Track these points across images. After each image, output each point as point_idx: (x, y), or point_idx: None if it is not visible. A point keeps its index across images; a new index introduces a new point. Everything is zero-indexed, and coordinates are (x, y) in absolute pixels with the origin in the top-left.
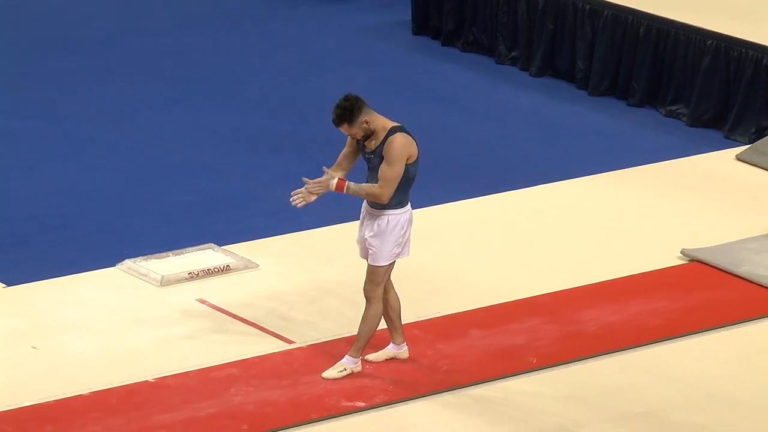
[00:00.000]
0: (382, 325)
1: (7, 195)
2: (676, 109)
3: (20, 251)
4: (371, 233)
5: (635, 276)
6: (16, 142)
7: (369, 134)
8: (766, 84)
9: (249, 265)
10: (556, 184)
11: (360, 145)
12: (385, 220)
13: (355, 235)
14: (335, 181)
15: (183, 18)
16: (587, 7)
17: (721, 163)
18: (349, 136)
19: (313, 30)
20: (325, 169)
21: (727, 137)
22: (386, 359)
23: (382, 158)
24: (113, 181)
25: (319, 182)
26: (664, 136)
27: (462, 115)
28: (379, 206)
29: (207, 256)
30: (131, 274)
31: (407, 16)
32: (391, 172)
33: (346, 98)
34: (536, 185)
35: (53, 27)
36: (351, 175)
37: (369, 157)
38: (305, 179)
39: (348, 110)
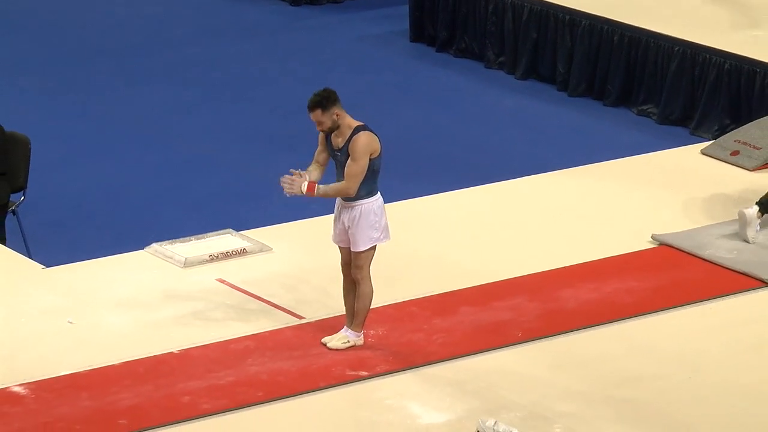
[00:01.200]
0: (383, 302)
1: (49, 186)
2: (646, 109)
3: (59, 236)
4: (348, 224)
5: (610, 258)
6: (58, 140)
7: (335, 127)
8: (727, 86)
9: (264, 249)
10: (538, 177)
11: (329, 144)
12: (359, 210)
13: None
14: (305, 185)
15: (206, 29)
16: (567, 17)
17: (687, 158)
18: (319, 133)
19: (321, 39)
20: (295, 171)
21: (692, 134)
22: (343, 344)
23: (347, 155)
24: (143, 175)
25: (292, 184)
26: (636, 134)
27: (453, 115)
28: (350, 198)
29: (226, 240)
30: (158, 257)
31: (405, 25)
32: (356, 167)
33: (325, 89)
34: (519, 177)
35: (91, 36)
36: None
37: (336, 155)
38: (292, 170)
39: (324, 98)
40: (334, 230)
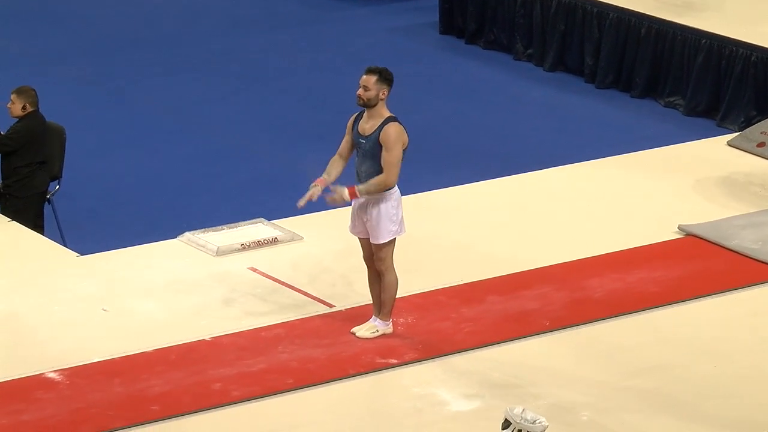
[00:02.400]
0: (411, 291)
1: (84, 175)
2: (673, 101)
3: (94, 224)
4: (366, 216)
5: (636, 248)
6: (93, 129)
7: (371, 105)
8: (753, 78)
9: (294, 238)
10: (565, 167)
11: (354, 131)
12: (377, 203)
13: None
14: (346, 192)
15: (237, 21)
16: (595, 9)
17: (714, 149)
18: (348, 122)
19: (351, 31)
20: (331, 186)
21: (719, 125)
22: (372, 333)
23: (374, 143)
24: (175, 164)
25: (334, 199)
26: (663, 125)
27: (482, 106)
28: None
29: (257, 229)
30: (190, 245)
31: (435, 17)
32: (392, 157)
33: (388, 70)
34: (548, 168)
35: (125, 28)
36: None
37: (361, 142)
38: (331, 187)
39: (385, 72)
40: (351, 221)
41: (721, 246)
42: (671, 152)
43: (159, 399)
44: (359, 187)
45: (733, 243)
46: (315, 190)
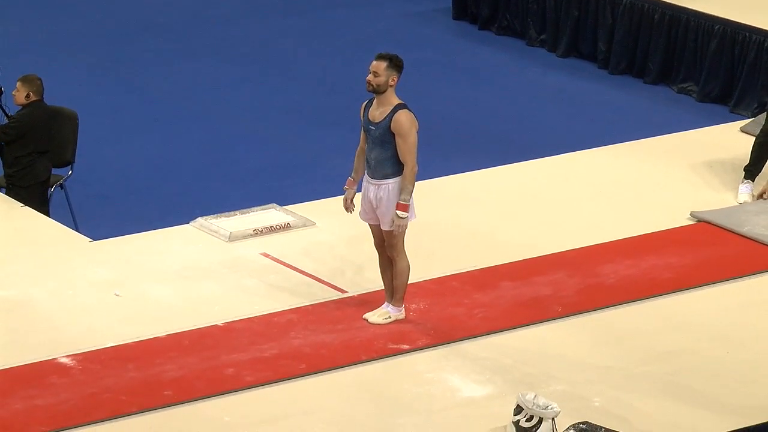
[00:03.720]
0: (424, 276)
1: (98, 160)
2: (686, 87)
3: (107, 209)
4: (376, 202)
5: (649, 235)
6: (106, 114)
7: (380, 91)
8: (767, 64)
9: (307, 223)
10: (578, 153)
11: (365, 118)
12: (386, 188)
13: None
14: (398, 212)
15: (252, 6)
16: None
17: (727, 135)
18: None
19: (365, 16)
20: (350, 203)
21: (732, 112)
22: (384, 319)
23: (384, 130)
24: (188, 149)
25: (399, 226)
26: (676, 111)
27: (495, 92)
28: (380, 176)
29: (270, 215)
30: (203, 231)
31: (448, 3)
32: (408, 144)
33: (399, 57)
34: (561, 154)
35: (140, 14)
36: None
37: (371, 129)
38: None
39: (395, 59)
40: (362, 208)
41: (734, 232)
42: (684, 138)
43: (172, 384)
44: (402, 197)
45: (745, 229)
46: (349, 193)
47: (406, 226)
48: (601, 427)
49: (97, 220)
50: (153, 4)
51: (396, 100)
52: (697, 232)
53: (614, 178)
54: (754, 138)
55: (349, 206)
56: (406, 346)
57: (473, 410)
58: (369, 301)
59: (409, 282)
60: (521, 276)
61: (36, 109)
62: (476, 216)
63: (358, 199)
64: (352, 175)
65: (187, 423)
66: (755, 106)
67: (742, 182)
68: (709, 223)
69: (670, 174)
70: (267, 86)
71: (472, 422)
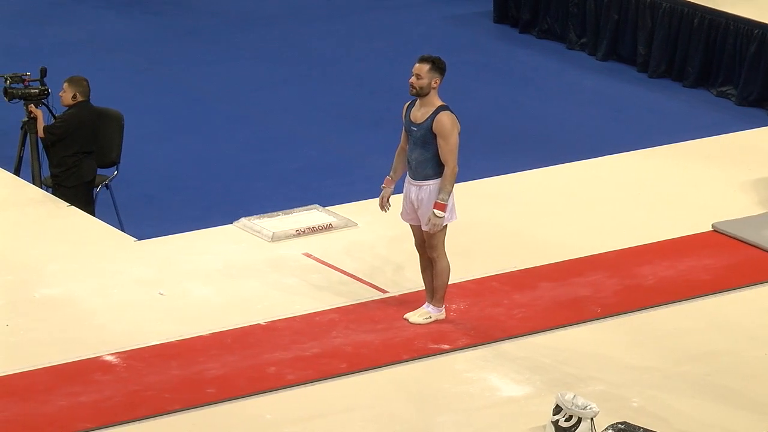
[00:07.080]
0: (464, 277)
1: (142, 160)
2: (725, 90)
3: (151, 209)
4: (417, 203)
5: (687, 237)
6: (151, 115)
7: (423, 94)
8: None
9: (349, 224)
10: (617, 156)
11: (407, 118)
12: (427, 189)
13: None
14: (435, 211)
15: (295, 10)
16: None
17: (766, 139)
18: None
19: (406, 19)
20: (386, 202)
21: None
22: (425, 319)
23: (426, 131)
24: (232, 150)
25: (435, 225)
26: (715, 114)
27: (536, 95)
28: (421, 177)
29: (312, 215)
30: (246, 231)
31: (489, 6)
32: (449, 146)
33: (441, 59)
34: (600, 156)
35: (185, 17)
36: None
37: (412, 129)
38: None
39: (438, 61)
40: (403, 208)
41: (755, 246)
42: (723, 141)
43: (214, 382)
44: (440, 196)
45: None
46: (386, 192)
47: (442, 225)
48: (640, 428)
49: (142, 220)
50: (197, 7)
51: (438, 102)
52: None
53: (652, 180)
54: None
55: (384, 204)
56: (446, 346)
57: (512, 409)
58: (409, 301)
59: (449, 282)
60: (560, 277)
61: (82, 109)
62: (516, 217)
63: (394, 198)
64: (391, 174)
65: (229, 420)
66: None
67: None
68: (732, 237)
69: (708, 177)
70: (309, 88)
71: (511, 421)
